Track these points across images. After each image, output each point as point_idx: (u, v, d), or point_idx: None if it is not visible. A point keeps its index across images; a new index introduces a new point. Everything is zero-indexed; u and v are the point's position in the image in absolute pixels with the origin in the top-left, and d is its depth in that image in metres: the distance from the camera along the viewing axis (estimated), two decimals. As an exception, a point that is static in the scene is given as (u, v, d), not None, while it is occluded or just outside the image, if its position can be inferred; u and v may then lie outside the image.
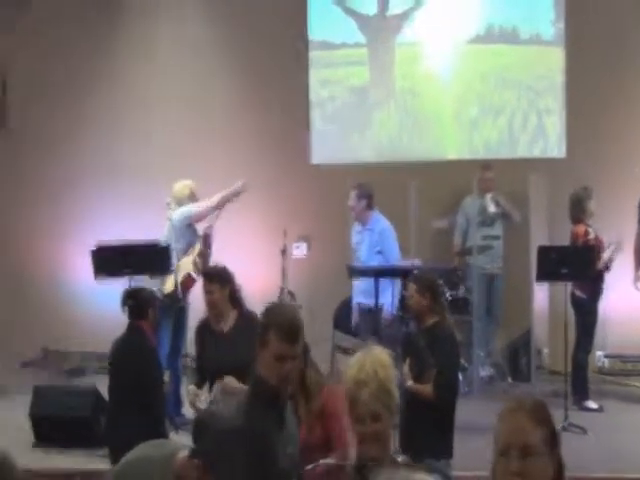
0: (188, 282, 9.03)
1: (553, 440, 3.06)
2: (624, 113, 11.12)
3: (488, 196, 10.54)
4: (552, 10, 11.31)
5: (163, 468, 4.84)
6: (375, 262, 9.20)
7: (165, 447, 5.24)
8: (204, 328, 6.91)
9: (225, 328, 6.80)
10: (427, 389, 6.26)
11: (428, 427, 6.32)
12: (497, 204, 10.57)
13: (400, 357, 6.48)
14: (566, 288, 9.22)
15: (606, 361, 10.89)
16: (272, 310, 4.07)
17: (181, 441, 5.87)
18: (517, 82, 11.43)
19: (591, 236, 9.61)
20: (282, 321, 3.92)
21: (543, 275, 9.23)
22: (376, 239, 9.29)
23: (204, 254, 9.11)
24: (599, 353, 10.67)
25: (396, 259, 9.35)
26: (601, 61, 11.11)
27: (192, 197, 9.38)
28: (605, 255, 9.56)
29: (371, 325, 9.12)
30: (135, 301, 7.00)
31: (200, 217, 9.30)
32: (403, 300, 9.82)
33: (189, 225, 9.22)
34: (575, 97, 11.12)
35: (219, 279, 6.85)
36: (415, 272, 7.52)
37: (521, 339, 10.64)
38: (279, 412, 3.94)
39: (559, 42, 11.27)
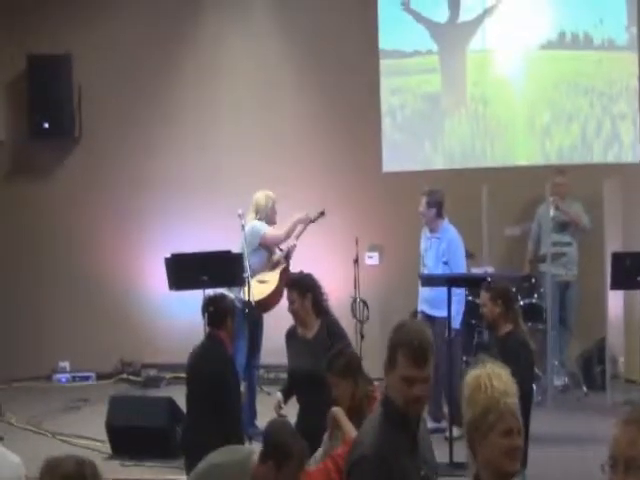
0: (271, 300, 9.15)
1: None
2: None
3: (550, 199, 10.44)
4: (625, 15, 11.20)
5: (239, 472, 4.91)
6: (440, 271, 9.12)
7: (239, 452, 5.31)
8: (291, 334, 7.00)
9: (308, 335, 6.85)
10: None
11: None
12: (557, 209, 10.47)
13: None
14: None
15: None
16: (401, 329, 3.81)
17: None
18: (590, 88, 11.33)
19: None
20: (410, 342, 3.71)
21: (618, 282, 9.15)
22: (444, 249, 9.21)
23: (287, 270, 9.21)
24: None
25: (461, 270, 9.29)
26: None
27: (272, 209, 9.46)
28: None
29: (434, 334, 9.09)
30: (215, 308, 7.05)
31: (268, 243, 9.36)
32: (475, 309, 9.82)
33: (260, 244, 9.32)
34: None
35: (298, 288, 6.89)
36: (488, 281, 7.48)
37: (596, 347, 10.55)
38: (411, 434, 3.80)
39: (632, 47, 11.15)
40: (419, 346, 3.71)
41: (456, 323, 8.80)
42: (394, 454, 3.70)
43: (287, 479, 4.79)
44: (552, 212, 10.44)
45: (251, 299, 8.88)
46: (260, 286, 9.14)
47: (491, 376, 3.34)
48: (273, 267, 9.38)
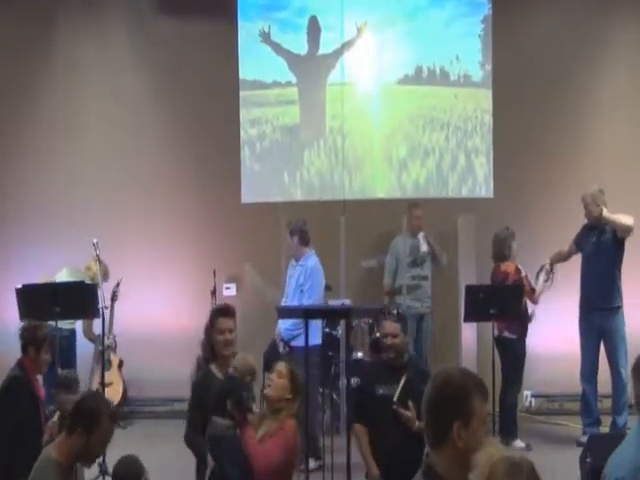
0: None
1: None
2: (550, 155, 11.30)
3: (420, 235, 10.63)
4: (480, 52, 11.48)
5: None
6: (296, 299, 9.22)
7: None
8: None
9: None
10: None
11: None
12: (429, 243, 10.67)
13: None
14: (493, 327, 9.29)
15: (533, 400, 10.99)
16: (460, 377, 3.33)
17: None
18: (445, 123, 11.54)
19: (522, 274, 9.72)
20: (481, 382, 3.36)
21: (471, 314, 9.29)
22: (304, 275, 9.30)
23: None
24: (526, 392, 10.75)
25: (317, 299, 9.35)
26: (528, 103, 11.33)
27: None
28: (540, 280, 9.73)
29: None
30: (22, 337, 7.08)
31: None
32: (333, 340, 9.84)
33: None
34: (502, 138, 11.28)
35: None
36: (396, 311, 7.61)
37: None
38: None
39: (487, 84, 11.43)
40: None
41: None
42: None
43: None
44: (425, 247, 10.66)
45: (106, 331, 8.80)
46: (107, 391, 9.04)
47: None
48: None
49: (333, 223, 10.60)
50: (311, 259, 9.42)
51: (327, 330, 9.60)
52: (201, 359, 6.51)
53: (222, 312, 6.60)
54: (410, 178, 11.53)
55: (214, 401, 5.84)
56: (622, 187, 10.65)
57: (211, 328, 6.42)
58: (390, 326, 6.87)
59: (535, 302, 9.78)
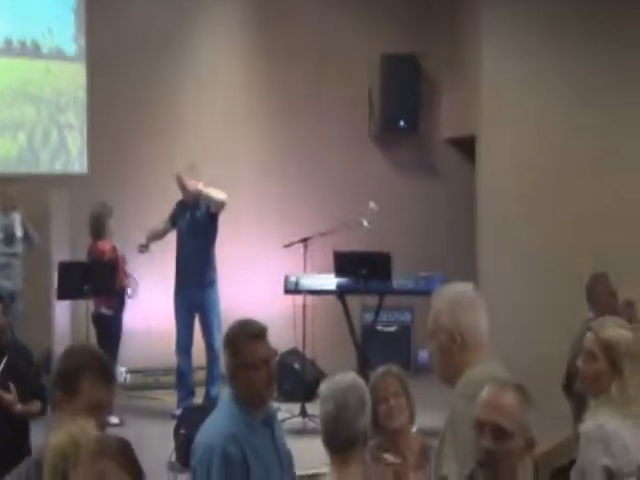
0: None
1: None
2: (147, 131, 11.34)
3: (17, 217, 10.28)
4: (73, 26, 11.24)
5: None
6: None
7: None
8: None
9: None
10: None
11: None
12: (22, 225, 10.34)
13: None
14: (88, 304, 9.21)
15: (129, 376, 10.98)
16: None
17: None
18: (37, 97, 11.19)
19: (119, 253, 9.74)
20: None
21: (64, 292, 9.20)
22: None
23: None
24: (122, 368, 10.70)
25: None
26: (125, 79, 11.28)
27: None
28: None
29: None
30: None
31: None
32: None
33: None
34: (98, 114, 11.13)
35: None
36: None
37: (43, 357, 10.43)
38: None
39: (81, 58, 11.21)
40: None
41: None
42: None
43: None
44: (19, 231, 10.33)
45: None
46: None
47: None
48: None
49: None
50: None
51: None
52: None
53: None
54: (0, 154, 11.08)
55: None
56: (215, 164, 10.86)
57: None
58: None
59: (127, 284, 9.81)
